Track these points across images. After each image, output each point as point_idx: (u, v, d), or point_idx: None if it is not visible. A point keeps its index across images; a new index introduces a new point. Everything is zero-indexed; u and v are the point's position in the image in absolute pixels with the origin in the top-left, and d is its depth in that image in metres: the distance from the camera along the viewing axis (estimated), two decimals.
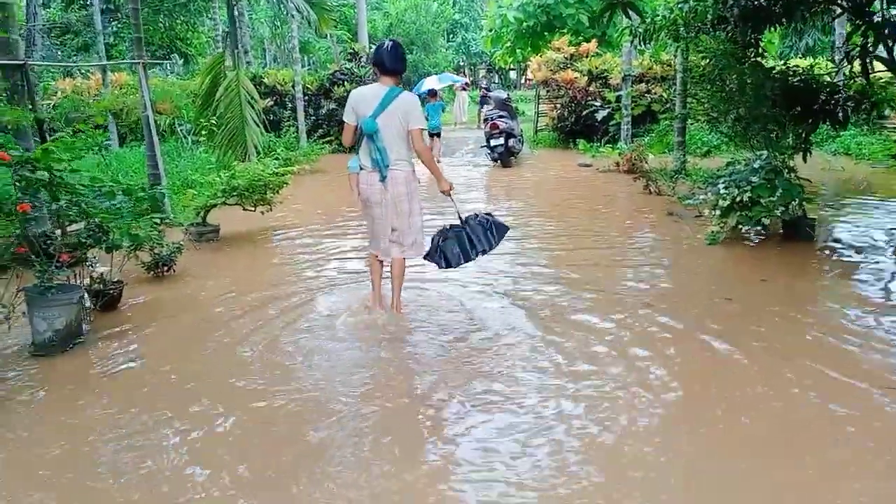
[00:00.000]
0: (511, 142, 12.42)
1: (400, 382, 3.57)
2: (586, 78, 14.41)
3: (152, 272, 5.57)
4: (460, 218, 4.49)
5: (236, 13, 26.16)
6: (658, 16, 8.62)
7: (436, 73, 24.80)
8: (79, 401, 3.43)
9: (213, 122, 9.04)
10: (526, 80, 46.33)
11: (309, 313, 4.66)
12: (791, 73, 7.24)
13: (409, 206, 4.33)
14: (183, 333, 4.37)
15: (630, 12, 6.14)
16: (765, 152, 6.28)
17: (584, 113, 14.03)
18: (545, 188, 10.33)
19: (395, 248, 4.42)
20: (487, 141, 12.47)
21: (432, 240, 4.49)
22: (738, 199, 5.93)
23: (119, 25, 19.77)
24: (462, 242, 4.39)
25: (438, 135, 15.54)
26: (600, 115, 13.64)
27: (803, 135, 7.62)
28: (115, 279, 4.95)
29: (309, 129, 14.43)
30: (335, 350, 4.01)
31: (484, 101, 22.55)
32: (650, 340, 4.04)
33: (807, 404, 3.19)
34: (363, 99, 4.22)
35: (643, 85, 13.87)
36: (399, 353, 3.96)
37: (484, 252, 4.41)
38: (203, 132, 9.89)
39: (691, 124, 10.99)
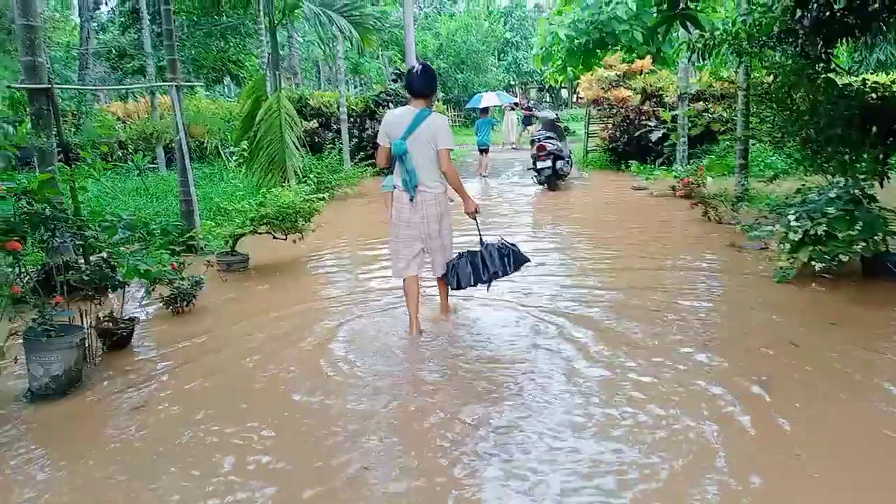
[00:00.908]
0: (559, 164, 11.89)
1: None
2: (640, 96, 13.79)
3: (171, 308, 5.27)
4: (481, 241, 4.55)
5: (283, 34, 26.45)
6: (718, 30, 8.05)
7: (486, 92, 24.50)
8: (61, 460, 3.08)
9: (245, 146, 8.81)
10: (577, 99, 45.69)
11: (334, 359, 4.25)
12: (868, 89, 6.55)
13: (438, 227, 4.47)
14: (194, 381, 4.00)
15: (689, 25, 5.57)
16: (841, 179, 5.60)
17: (638, 133, 13.38)
18: (594, 214, 9.75)
19: (437, 267, 4.60)
20: (534, 163, 11.97)
21: (448, 260, 4.59)
22: (811, 232, 5.28)
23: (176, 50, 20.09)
24: (475, 264, 4.47)
25: (487, 150, 15.31)
26: (655, 136, 12.98)
27: (881, 158, 6.91)
28: (127, 317, 4.66)
29: (353, 151, 14.20)
30: (356, 410, 3.57)
31: (527, 120, 22.05)
32: (702, 390, 3.56)
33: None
34: (394, 121, 4.34)
35: (701, 103, 13.16)
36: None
37: (496, 275, 4.45)
38: (242, 156, 9.71)
39: (754, 146, 10.28)
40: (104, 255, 4.24)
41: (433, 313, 4.98)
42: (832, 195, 5.36)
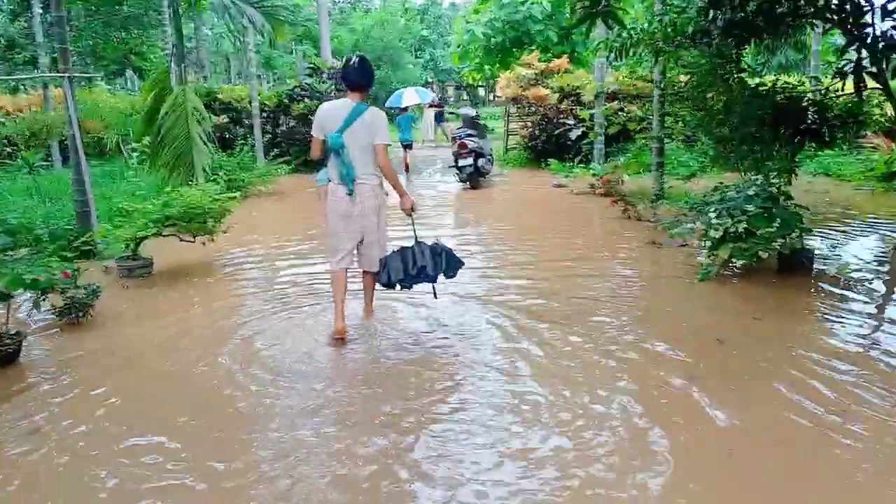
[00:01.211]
0: (480, 162, 11.80)
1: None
2: (557, 95, 13.89)
3: (65, 319, 4.76)
4: (415, 238, 4.48)
5: (189, 27, 25.28)
6: (635, 29, 8.13)
7: (403, 89, 24.23)
8: None
9: (147, 142, 8.23)
10: (494, 97, 46.12)
11: (247, 363, 3.91)
12: (779, 90, 6.73)
13: (377, 219, 4.44)
14: (83, 400, 3.58)
15: (611, 23, 5.53)
16: (759, 177, 5.71)
17: (557, 132, 13.47)
18: (516, 211, 9.70)
19: (364, 260, 4.55)
20: (455, 161, 11.83)
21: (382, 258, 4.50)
22: (731, 229, 5.34)
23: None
24: (405, 259, 4.39)
25: (410, 146, 15.26)
26: (574, 135, 13.10)
27: (789, 156, 7.14)
28: (13, 331, 4.15)
29: (266, 148, 13.63)
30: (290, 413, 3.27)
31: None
32: (639, 383, 3.54)
33: None
34: (330, 114, 4.31)
35: (616, 102, 13.38)
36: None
37: (425, 274, 4.35)
38: (144, 152, 9.07)
39: (668, 144, 10.50)
40: None
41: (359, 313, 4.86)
42: (750, 193, 5.44)
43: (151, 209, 5.97)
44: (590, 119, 12.59)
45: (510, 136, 16.03)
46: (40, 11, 19.93)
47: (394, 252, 4.49)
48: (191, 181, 9.15)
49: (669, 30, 7.73)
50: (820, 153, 10.60)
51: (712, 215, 5.53)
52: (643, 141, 12.64)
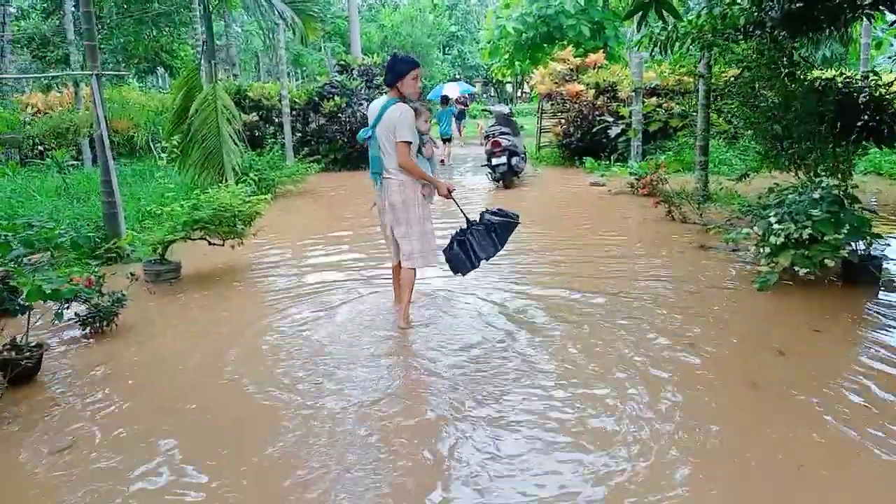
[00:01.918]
0: (514, 160, 11.46)
1: None
2: (593, 91, 13.48)
3: (89, 329, 4.57)
4: (467, 220, 4.56)
5: (220, 24, 25.27)
6: (682, 22, 7.73)
7: (440, 84, 23.96)
8: None
9: (176, 141, 8.07)
10: (523, 94, 45.60)
11: (280, 385, 3.66)
12: (841, 85, 6.31)
13: (405, 215, 4.42)
14: (107, 417, 3.37)
15: (664, 13, 5.16)
16: (823, 179, 5.31)
17: (596, 129, 13.06)
18: (554, 212, 9.34)
19: (397, 254, 4.61)
20: (489, 160, 11.51)
21: (444, 249, 4.52)
22: (794, 235, 4.96)
23: (100, 36, 18.80)
24: (466, 251, 4.44)
25: (450, 140, 16.01)
26: (613, 132, 12.68)
27: (846, 155, 6.72)
28: (33, 343, 3.96)
29: (296, 146, 13.46)
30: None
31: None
32: (697, 392, 3.36)
33: None
34: (371, 109, 4.51)
35: (654, 99, 12.93)
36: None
37: (488, 258, 4.49)
38: (174, 151, 8.91)
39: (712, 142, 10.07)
40: (3, 271, 3.54)
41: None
42: (815, 196, 5.04)
43: (180, 212, 5.77)
44: (630, 116, 12.17)
45: (543, 134, 15.64)
46: (72, 9, 20.11)
47: (452, 247, 4.47)
48: (220, 181, 9.00)
49: (719, 22, 7.35)
50: (870, 151, 10.13)
51: (772, 219, 5.14)
52: (683, 138, 12.21)
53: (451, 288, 5.39)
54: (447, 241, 4.53)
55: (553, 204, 10.12)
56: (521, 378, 3.72)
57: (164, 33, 19.81)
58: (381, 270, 6.08)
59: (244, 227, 6.05)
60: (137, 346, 4.41)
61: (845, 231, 4.80)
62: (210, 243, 6.07)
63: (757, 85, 6.76)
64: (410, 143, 4.24)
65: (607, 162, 12.71)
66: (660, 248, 6.82)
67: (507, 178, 11.39)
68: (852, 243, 5.04)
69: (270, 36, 23.55)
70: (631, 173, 10.46)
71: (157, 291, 5.59)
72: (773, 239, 5.09)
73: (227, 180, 8.95)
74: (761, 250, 5.31)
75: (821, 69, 16.69)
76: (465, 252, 4.42)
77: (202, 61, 10.05)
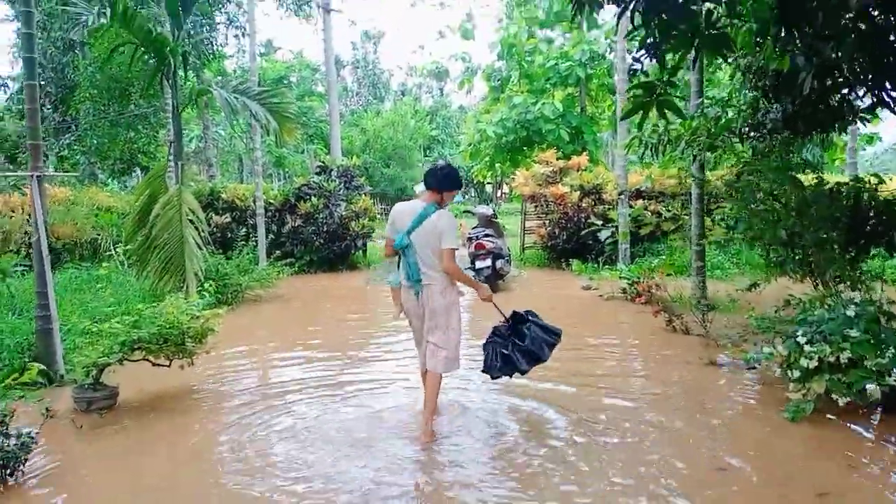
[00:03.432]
0: (499, 263, 10.88)
1: None
2: (578, 193, 13.16)
3: None
4: (506, 318, 4.57)
5: (198, 126, 25.26)
6: (685, 120, 7.37)
7: (412, 186, 23.77)
8: None
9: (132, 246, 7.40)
10: (502, 195, 46.03)
11: None
12: (857, 189, 5.87)
13: (446, 321, 4.37)
14: None
15: (667, 113, 4.71)
16: (856, 295, 4.72)
17: (585, 231, 12.63)
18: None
19: (429, 360, 4.41)
20: (472, 262, 10.93)
21: (485, 349, 4.49)
22: (828, 359, 4.30)
23: (72, 138, 18.51)
24: (509, 363, 4.38)
25: None
26: (603, 235, 12.25)
27: (853, 262, 6.21)
28: None
29: (269, 248, 12.82)
30: None
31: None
32: None
33: None
34: (401, 214, 4.41)
35: (641, 201, 12.63)
36: None
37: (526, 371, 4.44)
38: (131, 256, 8.20)
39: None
40: None
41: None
42: (850, 313, 4.42)
43: (119, 329, 4.99)
44: (618, 219, 11.78)
45: (527, 235, 15.20)
46: (50, 111, 19.91)
47: (496, 351, 4.41)
48: (182, 288, 8.26)
49: (713, 124, 7.01)
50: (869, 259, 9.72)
51: (801, 339, 4.49)
52: (674, 241, 11.79)
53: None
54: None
55: (544, 311, 9.40)
56: None
57: (141, 134, 19.51)
58: (355, 377, 5.35)
59: (194, 345, 5.26)
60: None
61: (891, 355, 4.15)
62: (153, 364, 5.25)
63: (762, 188, 6.31)
64: (456, 249, 4.29)
65: (595, 265, 12.21)
66: (665, 365, 6.12)
67: (491, 281, 10.75)
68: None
69: (249, 137, 23.51)
70: (622, 277, 9.91)
71: (85, 425, 4.72)
72: (804, 362, 4.42)
73: (188, 288, 8.22)
74: (789, 373, 4.63)
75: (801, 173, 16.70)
76: (507, 364, 4.38)
77: (171, 162, 9.54)
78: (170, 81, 8.86)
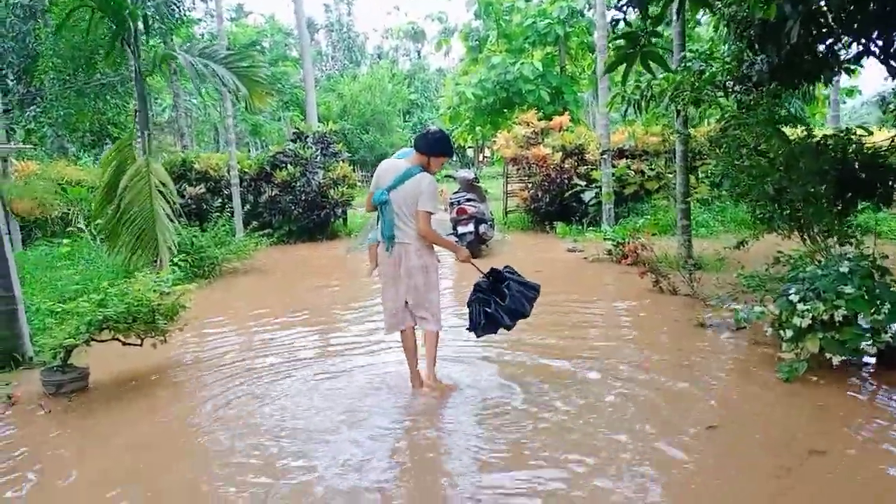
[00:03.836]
0: (482, 228, 10.71)
1: None
2: (560, 154, 12.95)
3: None
4: (485, 275, 4.54)
5: (168, 95, 24.51)
6: (671, 73, 7.15)
7: (402, 150, 23.46)
8: None
9: (97, 222, 7.10)
10: (484, 158, 45.66)
11: None
12: (847, 141, 5.72)
13: (425, 280, 4.37)
14: None
15: (651, 65, 4.48)
16: (850, 250, 4.59)
17: (569, 193, 12.45)
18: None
19: (421, 323, 4.46)
20: (454, 227, 10.73)
21: (469, 307, 4.48)
22: (822, 316, 4.18)
23: (38, 110, 17.84)
24: (494, 322, 4.38)
25: None
26: (587, 196, 12.08)
27: (841, 216, 6.09)
28: None
29: (246, 219, 12.52)
30: None
31: None
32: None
33: None
34: (385, 170, 4.39)
35: (624, 160, 12.45)
36: None
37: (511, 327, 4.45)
38: (101, 231, 7.91)
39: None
40: None
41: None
42: (843, 269, 4.29)
43: (86, 308, 4.75)
44: (601, 179, 11.61)
45: (509, 199, 15.01)
46: (13, 82, 19.14)
47: (482, 320, 4.38)
48: (155, 262, 8.01)
49: (696, 78, 6.80)
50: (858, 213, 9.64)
51: (794, 297, 4.36)
52: (658, 200, 11.67)
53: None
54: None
55: (529, 274, 9.27)
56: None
57: (110, 105, 18.86)
58: (337, 346, 5.15)
59: (165, 323, 5.04)
60: (10, 499, 3.34)
61: (886, 311, 4.04)
62: (124, 344, 5.03)
63: (747, 142, 6.14)
64: (432, 213, 4.26)
65: (579, 227, 12.06)
66: (655, 326, 6.01)
67: (474, 246, 10.58)
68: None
69: (220, 105, 22.88)
70: (606, 238, 9.77)
71: (54, 409, 4.51)
72: (796, 320, 4.30)
73: (161, 261, 7.97)
74: (781, 333, 4.52)
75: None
76: (491, 323, 4.37)
77: (137, 132, 9.17)
78: (131, 47, 8.45)
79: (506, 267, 4.60)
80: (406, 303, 4.40)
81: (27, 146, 13.93)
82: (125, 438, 4.03)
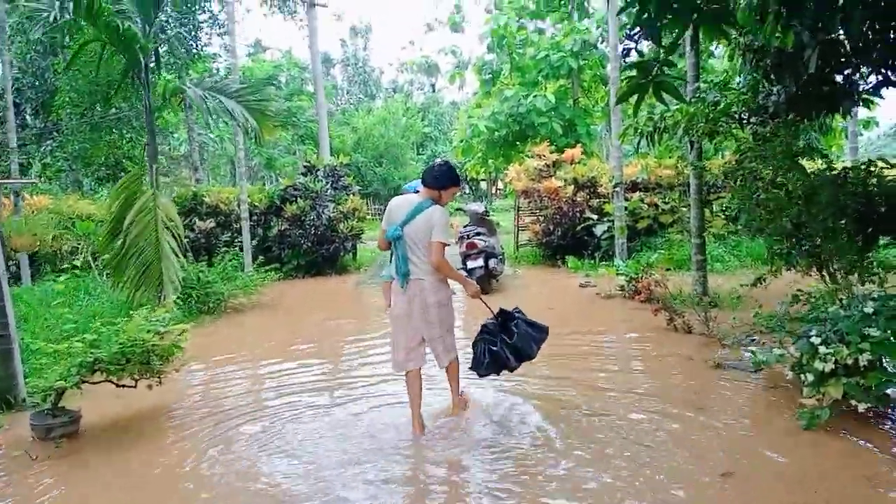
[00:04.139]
0: (491, 262, 10.50)
1: None
2: (572, 187, 12.79)
3: None
4: (494, 314, 4.51)
5: (182, 129, 24.77)
6: (668, 112, 7.07)
7: (412, 182, 23.40)
8: None
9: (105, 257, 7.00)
10: (497, 191, 45.66)
11: None
12: (866, 174, 5.51)
13: (440, 316, 4.35)
14: None
15: (665, 96, 4.34)
16: (874, 288, 4.37)
17: (581, 227, 12.27)
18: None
19: (439, 358, 4.47)
20: (463, 263, 10.54)
21: (474, 347, 4.47)
22: (846, 361, 3.94)
23: (54, 144, 18.06)
24: (498, 361, 4.36)
25: None
26: (599, 230, 11.88)
27: (861, 252, 5.85)
28: None
29: (255, 253, 12.43)
30: None
31: None
32: None
33: None
34: (396, 207, 4.38)
35: (637, 193, 12.27)
36: None
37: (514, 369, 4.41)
38: (106, 266, 7.83)
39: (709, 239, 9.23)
40: None
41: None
42: (868, 310, 4.06)
43: (79, 349, 4.61)
44: (614, 212, 11.41)
45: (521, 232, 14.83)
46: (31, 116, 19.41)
47: (486, 359, 4.36)
48: (158, 298, 7.91)
49: (711, 110, 6.65)
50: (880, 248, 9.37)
51: (816, 340, 4.13)
52: (673, 235, 11.44)
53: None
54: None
55: (541, 311, 9.05)
56: None
57: (125, 139, 19.06)
58: (344, 386, 5.09)
59: (160, 364, 4.88)
60: None
61: None
62: (117, 385, 4.87)
63: (764, 175, 5.95)
64: (446, 244, 4.25)
65: (591, 261, 11.85)
66: (669, 368, 5.75)
67: (484, 281, 10.38)
68: None
69: (233, 138, 23.04)
70: (619, 273, 9.54)
71: (41, 456, 4.33)
72: (818, 364, 4.06)
73: (165, 297, 7.86)
74: (802, 377, 4.27)
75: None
76: (495, 362, 4.35)
77: (148, 165, 9.15)
78: (142, 81, 8.47)
79: (515, 308, 4.55)
80: (422, 339, 4.39)
81: (30, 181, 13.96)
82: (112, 491, 3.85)
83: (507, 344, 4.31)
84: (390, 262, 4.47)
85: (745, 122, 6.76)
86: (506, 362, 4.32)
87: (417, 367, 4.43)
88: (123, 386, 4.90)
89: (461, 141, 25.08)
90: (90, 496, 3.80)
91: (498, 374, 4.46)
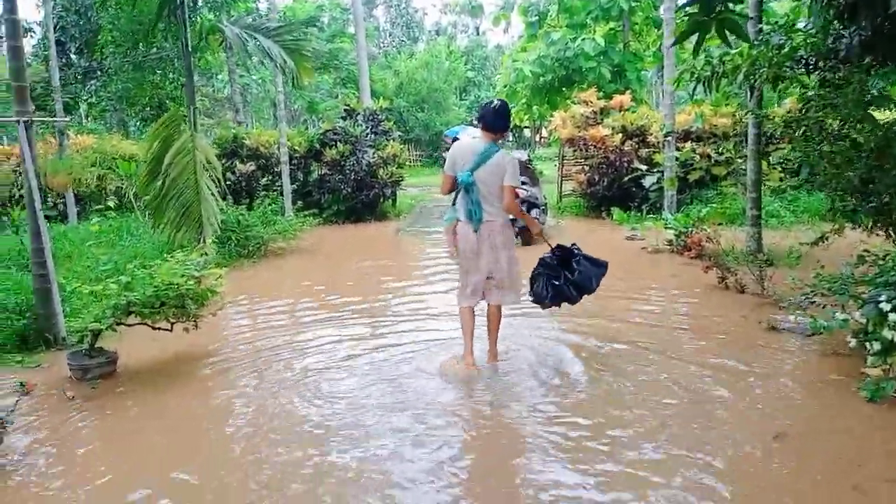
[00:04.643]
0: (534, 212, 10.20)
1: None
2: (620, 135, 12.29)
3: None
4: (552, 249, 4.60)
5: (224, 70, 24.62)
6: (728, 56, 6.57)
7: (453, 128, 22.91)
8: None
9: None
10: (541, 139, 44.74)
11: None
12: None
13: (507, 256, 4.49)
14: None
15: (728, 35, 3.96)
16: None
17: (629, 178, 11.82)
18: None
19: (493, 294, 4.57)
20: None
21: (533, 281, 4.57)
22: None
23: (98, 84, 18.10)
24: (562, 293, 4.49)
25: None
26: (648, 181, 11.44)
27: None
28: None
29: (295, 197, 12.36)
30: None
31: None
32: None
33: None
34: (463, 153, 4.44)
35: (689, 144, 11.72)
36: None
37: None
38: (147, 207, 7.82)
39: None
40: None
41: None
42: None
43: (113, 291, 4.56)
44: (664, 163, 10.94)
45: (565, 182, 14.42)
46: (75, 57, 19.47)
47: (548, 293, 4.48)
48: (199, 239, 7.89)
49: (775, 53, 6.15)
50: None
51: (885, 306, 3.82)
52: (727, 188, 10.94)
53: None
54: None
55: None
56: None
57: (168, 79, 18.99)
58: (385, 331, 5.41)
59: (196, 307, 4.82)
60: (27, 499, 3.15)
61: None
62: (153, 328, 4.84)
63: (830, 126, 5.51)
64: (517, 188, 4.43)
65: (638, 213, 11.44)
66: (721, 329, 5.47)
67: (525, 233, 10.12)
68: None
69: (275, 81, 22.82)
70: (668, 227, 9.18)
71: (77, 395, 4.35)
72: (887, 333, 3.77)
73: (205, 239, 7.84)
74: (867, 346, 3.98)
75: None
76: (558, 295, 4.48)
77: (183, 105, 9.04)
78: (178, 19, 8.27)
79: (573, 244, 4.67)
80: (488, 278, 4.49)
81: (64, 119, 13.96)
82: (146, 433, 3.83)
83: (569, 280, 4.44)
84: (453, 205, 4.52)
85: (812, 67, 6.26)
86: (569, 297, 4.49)
87: (473, 305, 4.59)
88: (159, 329, 4.87)
89: (505, 86, 24.40)
90: (124, 436, 3.79)
91: (559, 307, 4.64)
